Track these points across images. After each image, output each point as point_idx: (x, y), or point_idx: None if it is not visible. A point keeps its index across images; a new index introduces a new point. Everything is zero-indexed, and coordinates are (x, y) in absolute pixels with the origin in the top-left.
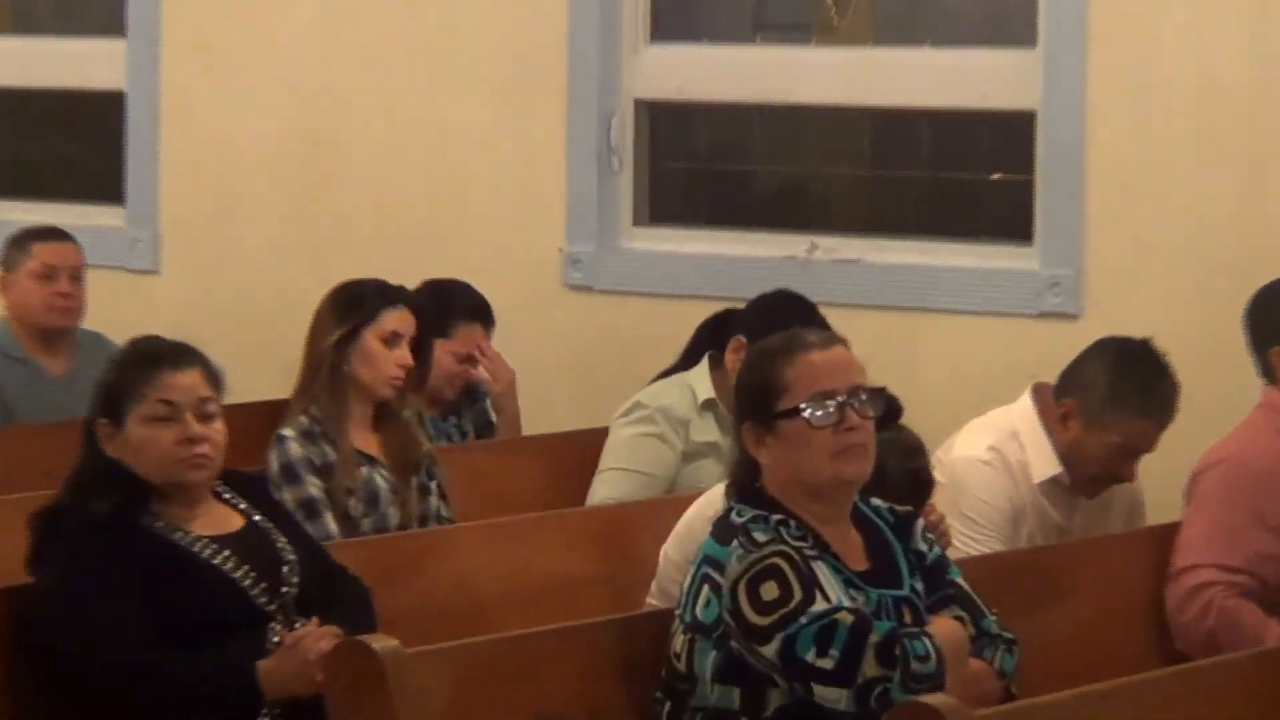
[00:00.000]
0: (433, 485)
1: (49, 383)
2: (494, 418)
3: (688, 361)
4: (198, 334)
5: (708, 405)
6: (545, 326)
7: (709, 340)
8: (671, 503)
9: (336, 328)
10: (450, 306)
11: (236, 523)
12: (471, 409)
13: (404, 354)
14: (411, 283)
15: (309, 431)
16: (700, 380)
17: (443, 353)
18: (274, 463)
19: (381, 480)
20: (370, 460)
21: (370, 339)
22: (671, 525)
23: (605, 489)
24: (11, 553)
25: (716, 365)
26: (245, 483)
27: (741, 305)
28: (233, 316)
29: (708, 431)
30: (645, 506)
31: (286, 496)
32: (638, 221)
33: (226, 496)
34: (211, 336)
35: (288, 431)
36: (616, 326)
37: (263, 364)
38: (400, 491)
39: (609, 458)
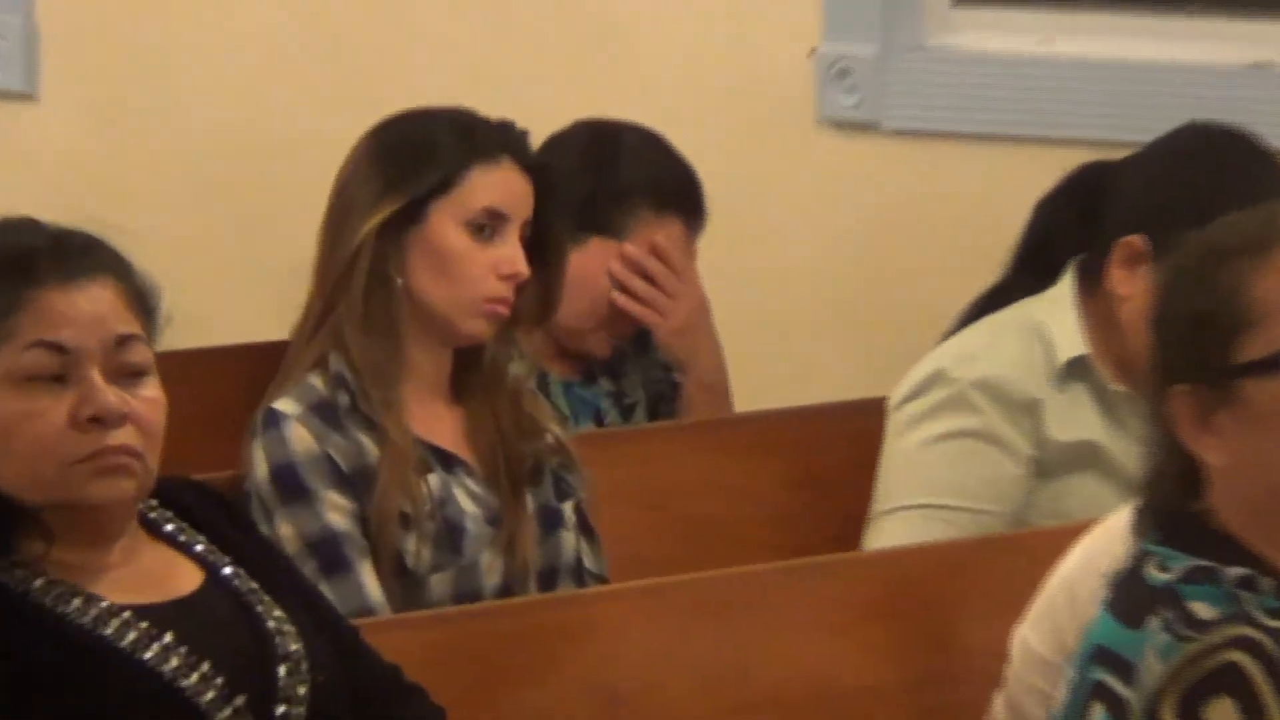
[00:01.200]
0: (565, 509)
1: None
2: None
3: (1028, 277)
4: (110, 212)
5: (1076, 370)
6: (784, 194)
7: (1071, 230)
8: (1022, 547)
9: (381, 197)
10: (614, 175)
11: (187, 579)
12: (640, 365)
13: (512, 255)
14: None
15: (326, 404)
16: (1058, 319)
17: (595, 262)
18: (260, 465)
19: (467, 497)
20: (446, 459)
21: (446, 222)
22: (1022, 588)
23: (894, 540)
24: None
25: (1090, 286)
26: (206, 503)
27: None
28: (176, 170)
29: (1080, 419)
30: (972, 554)
31: (285, 529)
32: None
33: (169, 530)
34: (139, 213)
35: (287, 405)
36: (909, 191)
37: (238, 271)
38: (503, 519)
39: (894, 484)
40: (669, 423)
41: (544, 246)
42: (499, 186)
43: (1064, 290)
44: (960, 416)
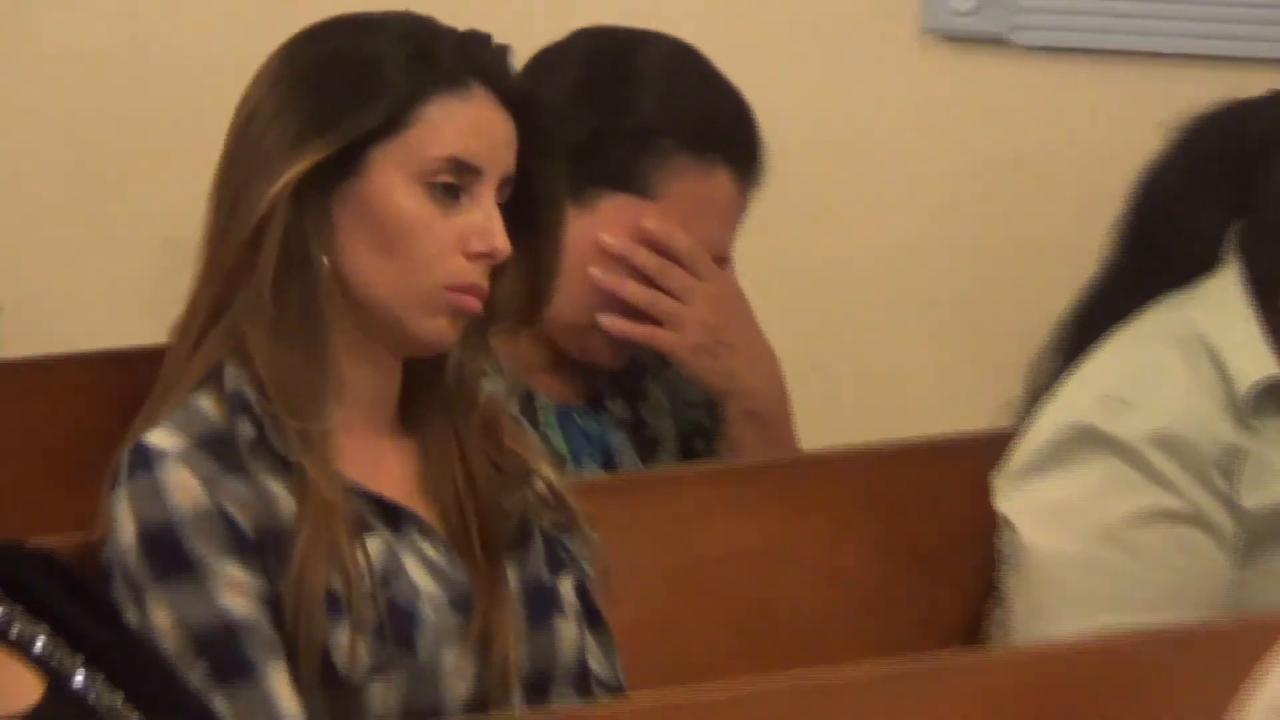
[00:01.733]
0: (563, 587)
1: None
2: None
3: (1147, 265)
4: None
5: (1267, 399)
6: (873, 133)
7: (1214, 197)
8: (1219, 644)
9: (298, 141)
10: (633, 105)
11: (20, 691)
12: (668, 382)
13: (486, 224)
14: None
15: (219, 436)
16: (1227, 329)
17: (606, 231)
18: (126, 525)
19: (422, 569)
20: (391, 514)
21: (392, 178)
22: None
23: None
24: None
25: (1265, 284)
26: (48, 580)
27: None
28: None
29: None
30: (1153, 650)
31: (162, 616)
32: None
33: None
34: None
35: (163, 438)
36: (1045, 125)
37: (91, 252)
38: (474, 602)
39: (1047, 597)
40: (707, 464)
41: (532, 212)
42: (467, 127)
43: (1225, 287)
44: (1137, 494)
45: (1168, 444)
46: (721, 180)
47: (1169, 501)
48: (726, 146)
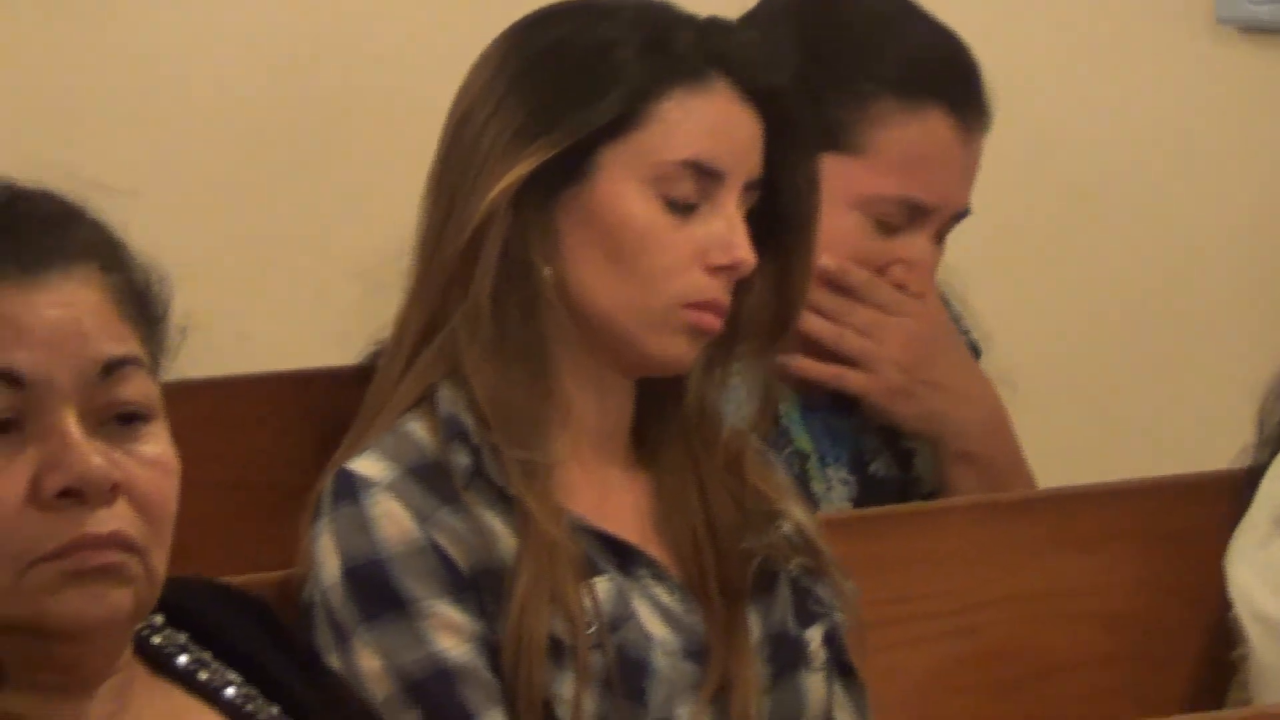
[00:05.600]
0: (811, 639)
1: None
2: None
3: None
4: (94, 168)
5: None
6: (1163, 130)
7: None
8: None
9: (521, 140)
10: (839, 52)
11: None
12: None
13: (728, 235)
14: None
15: (432, 466)
16: None
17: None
18: (330, 561)
19: (655, 616)
20: (622, 555)
21: (624, 182)
22: None
23: None
24: None
25: None
26: (242, 621)
27: None
28: (193, 116)
29: None
30: None
31: (369, 660)
32: None
33: (183, 664)
34: (138, 177)
35: (370, 467)
36: None
37: (284, 266)
38: (712, 653)
39: None
40: (973, 498)
41: (780, 217)
42: (707, 126)
43: None
44: None
45: None
46: (935, 124)
47: None
48: (935, 86)
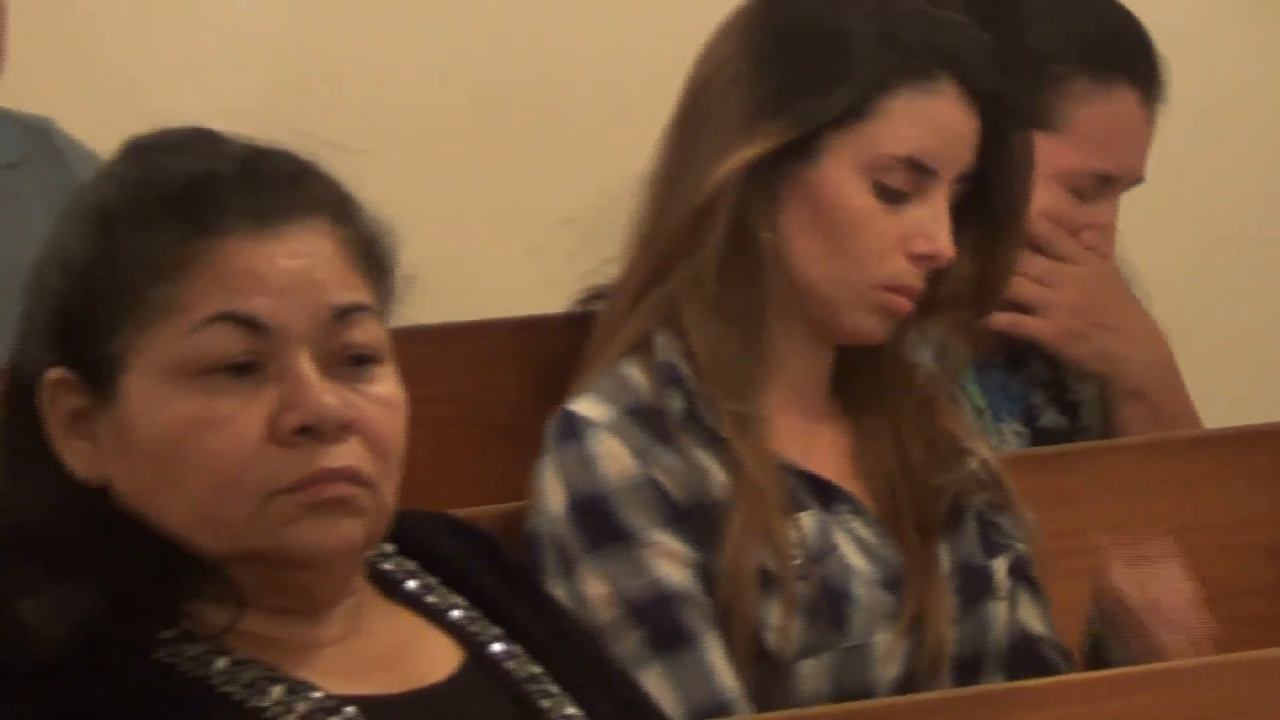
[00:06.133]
0: (996, 569)
1: None
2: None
3: None
4: (327, 128)
5: None
6: None
7: None
8: None
9: (757, 117)
10: (1022, 30)
11: (439, 661)
12: None
13: (932, 225)
14: None
15: (648, 407)
16: None
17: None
18: (555, 495)
19: (855, 549)
20: (824, 492)
21: (844, 168)
22: None
23: None
24: None
25: None
26: (469, 550)
27: None
28: (417, 81)
29: None
30: None
31: (595, 587)
32: None
33: (412, 588)
34: (366, 134)
35: (592, 408)
36: None
37: (502, 217)
38: (907, 583)
39: None
40: (1143, 438)
41: (989, 205)
42: (929, 127)
43: None
44: None
45: None
46: (1126, 99)
47: None
48: (1125, 63)
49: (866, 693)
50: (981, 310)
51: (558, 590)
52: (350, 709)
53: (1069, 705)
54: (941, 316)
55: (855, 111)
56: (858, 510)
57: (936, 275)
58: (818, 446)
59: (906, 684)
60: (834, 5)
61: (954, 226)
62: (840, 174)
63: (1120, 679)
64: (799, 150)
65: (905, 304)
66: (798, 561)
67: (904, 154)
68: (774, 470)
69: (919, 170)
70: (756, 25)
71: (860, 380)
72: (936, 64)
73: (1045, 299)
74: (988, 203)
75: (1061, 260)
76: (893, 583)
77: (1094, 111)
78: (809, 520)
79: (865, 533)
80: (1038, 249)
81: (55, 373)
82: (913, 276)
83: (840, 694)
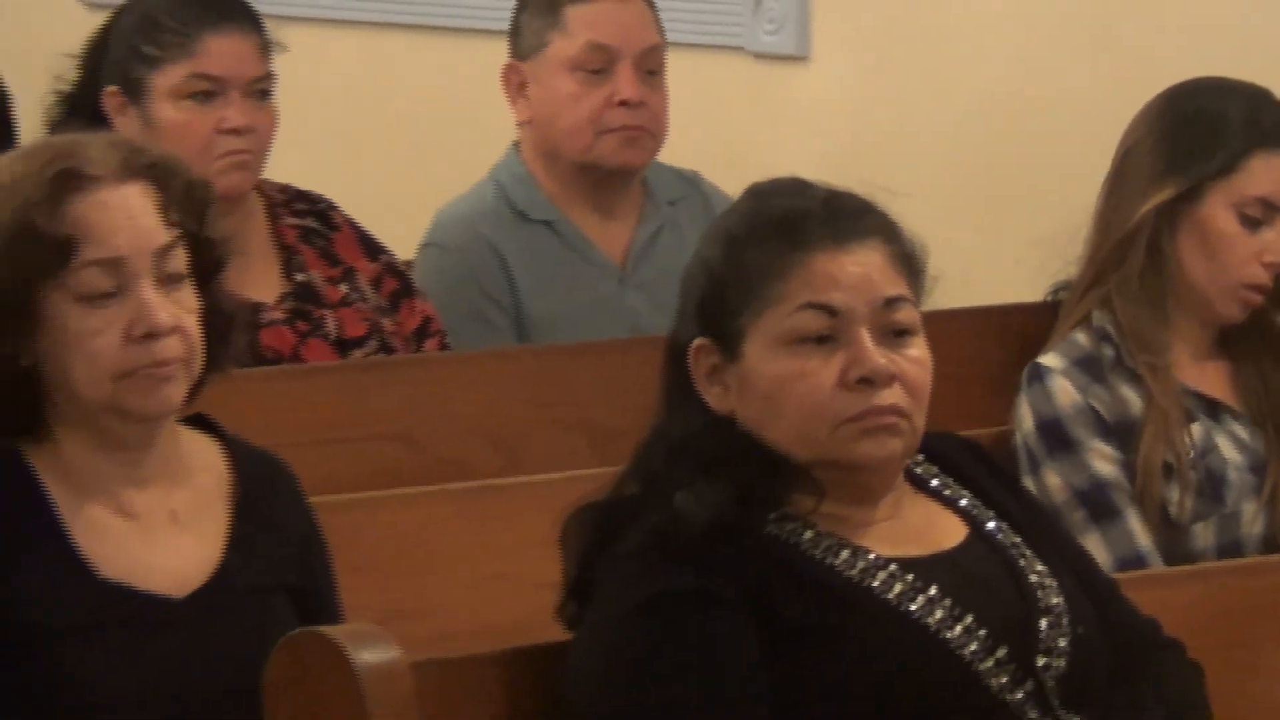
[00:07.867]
0: None
1: (607, 273)
2: None
3: None
4: (876, 172)
5: None
6: None
7: None
8: None
9: (1163, 175)
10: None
11: (951, 533)
12: None
13: (1278, 239)
14: None
15: (1089, 358)
16: None
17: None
18: (1027, 419)
19: (1231, 445)
20: (1211, 406)
21: (1219, 206)
22: None
23: None
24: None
25: None
26: (971, 459)
27: None
28: (940, 131)
29: None
30: None
31: (1053, 480)
32: None
33: (934, 484)
34: (904, 174)
35: (1051, 360)
36: None
37: (994, 233)
38: (1268, 468)
39: None
40: None
41: None
42: (1275, 177)
43: None
44: None
45: None
46: None
47: None
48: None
49: (1238, 548)
50: None
51: (1028, 483)
52: (894, 565)
53: None
54: None
55: (1228, 168)
56: (1236, 416)
57: None
58: (1209, 375)
59: (1267, 542)
60: (1217, 97)
61: None
62: (1216, 210)
63: None
64: (1191, 195)
65: (1259, 299)
66: (1190, 456)
67: (1261, 195)
68: (1175, 398)
69: (1269, 206)
70: (1167, 109)
71: (1241, 331)
72: (1272, 137)
73: None
74: None
75: None
76: (1259, 468)
77: (1265, 178)
78: (1197, 429)
79: (1241, 433)
80: None
81: (699, 341)
82: (1266, 278)
83: (1221, 548)
